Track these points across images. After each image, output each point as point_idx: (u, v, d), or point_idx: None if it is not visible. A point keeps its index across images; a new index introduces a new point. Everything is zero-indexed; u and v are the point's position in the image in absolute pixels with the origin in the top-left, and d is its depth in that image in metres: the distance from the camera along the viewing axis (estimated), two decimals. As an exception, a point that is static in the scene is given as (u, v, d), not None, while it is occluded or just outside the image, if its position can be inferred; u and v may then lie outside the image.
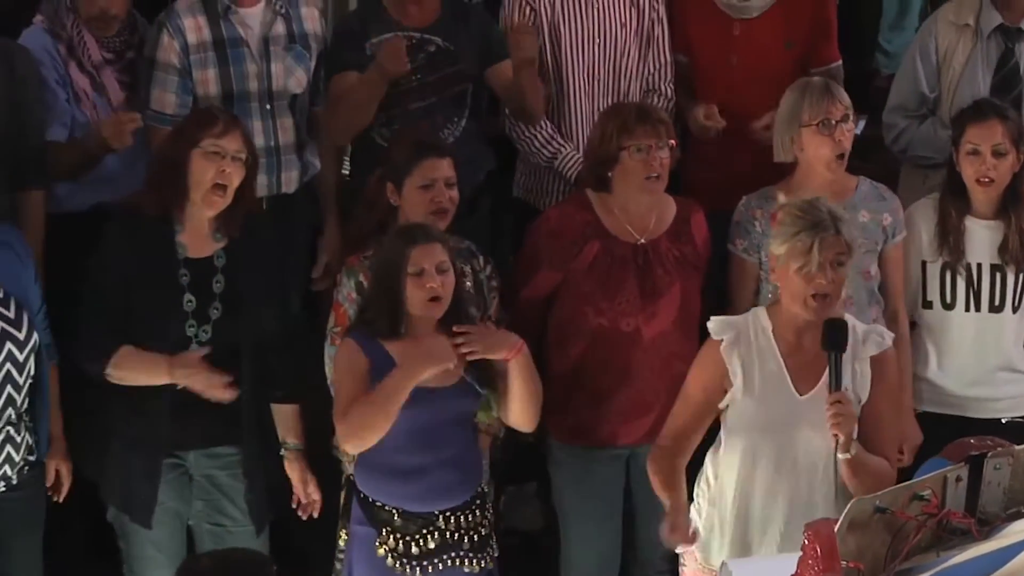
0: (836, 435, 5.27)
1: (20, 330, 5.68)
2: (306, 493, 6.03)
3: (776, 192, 5.97)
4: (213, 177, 5.72)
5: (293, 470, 6.04)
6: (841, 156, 6.12)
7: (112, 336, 5.73)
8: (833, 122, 6.08)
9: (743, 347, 5.40)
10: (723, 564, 5.05)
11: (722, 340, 5.39)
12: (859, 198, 6.21)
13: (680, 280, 6.08)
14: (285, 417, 6.03)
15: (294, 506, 6.07)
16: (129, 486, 5.86)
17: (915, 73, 6.77)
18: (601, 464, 6.19)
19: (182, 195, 5.76)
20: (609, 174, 6.03)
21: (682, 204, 6.17)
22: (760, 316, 5.45)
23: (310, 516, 6.03)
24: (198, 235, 5.82)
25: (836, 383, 5.30)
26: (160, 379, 5.69)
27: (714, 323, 5.45)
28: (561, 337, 6.14)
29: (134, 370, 5.73)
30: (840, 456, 5.27)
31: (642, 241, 6.09)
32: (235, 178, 5.77)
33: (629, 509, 6.26)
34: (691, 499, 5.69)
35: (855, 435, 5.29)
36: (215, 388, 5.69)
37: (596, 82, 6.83)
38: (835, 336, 5.35)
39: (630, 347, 6.06)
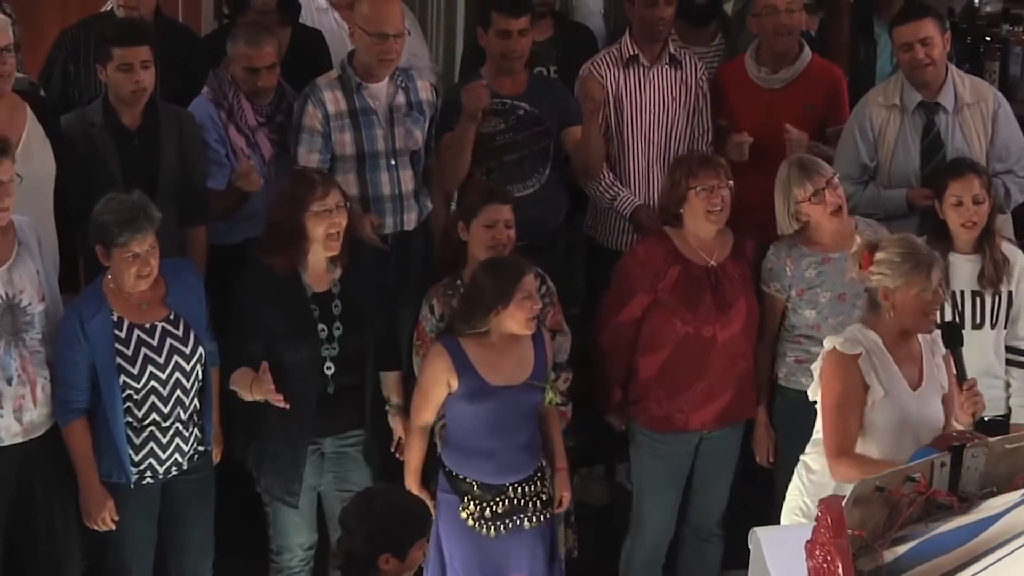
0: (974, 413, 5.33)
1: (186, 346, 5.71)
2: (397, 430, 6.04)
3: (797, 243, 6.01)
4: (326, 229, 5.76)
5: (396, 422, 6.05)
6: (838, 210, 6.03)
7: (241, 354, 5.77)
8: (822, 191, 5.99)
9: (871, 359, 5.28)
10: (751, 531, 4.88)
11: (860, 353, 5.25)
12: (861, 232, 6.01)
13: (744, 293, 6.07)
14: (391, 382, 6.05)
15: (392, 449, 6.06)
16: (279, 472, 5.89)
17: (856, 148, 6.61)
18: (675, 446, 6.18)
19: (303, 251, 5.80)
20: (680, 211, 6.04)
21: (738, 233, 6.15)
22: (868, 333, 5.32)
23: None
24: (318, 273, 5.86)
25: (963, 374, 5.36)
26: (247, 397, 5.73)
27: (842, 340, 5.31)
28: (652, 345, 6.10)
29: (238, 386, 5.76)
30: (963, 428, 5.25)
31: (713, 263, 6.08)
32: (343, 224, 5.81)
33: (689, 484, 6.26)
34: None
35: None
36: (273, 398, 5.63)
37: (650, 144, 6.82)
38: (955, 336, 5.43)
39: (708, 349, 6.05)
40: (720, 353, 6.06)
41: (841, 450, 5.22)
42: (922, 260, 5.24)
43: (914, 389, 5.30)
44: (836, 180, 6.07)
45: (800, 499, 5.48)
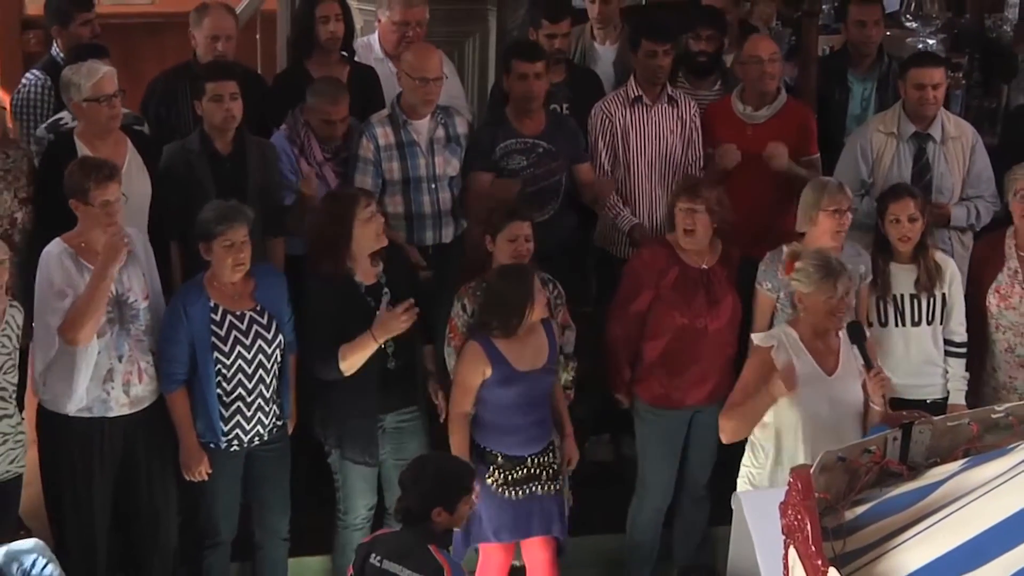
0: (883, 393, 5.42)
1: (269, 332, 5.75)
2: (439, 406, 5.99)
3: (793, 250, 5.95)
4: (375, 231, 5.80)
5: (433, 389, 6.02)
6: (839, 233, 6.02)
7: (330, 347, 5.74)
8: (843, 211, 6.00)
9: (786, 350, 5.44)
10: (734, 495, 5.09)
11: (772, 346, 5.42)
12: (845, 254, 6.03)
13: (730, 293, 6.08)
14: (429, 353, 6.07)
15: (441, 419, 5.98)
16: (358, 441, 5.89)
17: (856, 166, 6.61)
18: (673, 419, 6.19)
19: (352, 254, 5.79)
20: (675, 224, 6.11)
21: (726, 243, 6.15)
22: (788, 330, 5.51)
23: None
24: (365, 270, 5.86)
25: (868, 363, 5.47)
26: (373, 347, 5.69)
27: (758, 337, 5.51)
28: (655, 333, 6.11)
29: (356, 355, 5.71)
30: (878, 407, 5.41)
31: (705, 267, 6.10)
32: (383, 221, 5.86)
33: (684, 452, 6.27)
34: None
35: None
36: (401, 320, 5.68)
37: (652, 169, 6.80)
38: (858, 333, 5.51)
39: (701, 338, 6.06)
40: (711, 342, 6.06)
41: (724, 411, 5.55)
42: (830, 272, 5.39)
43: (829, 374, 5.44)
44: (850, 214, 6.05)
45: (749, 470, 5.60)
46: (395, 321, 5.70)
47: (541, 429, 5.83)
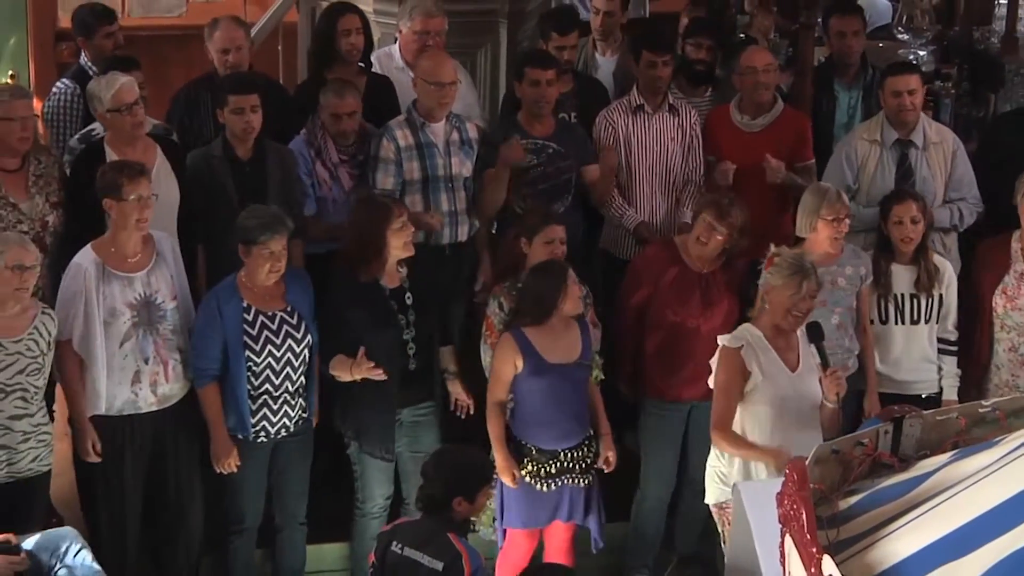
0: (837, 392, 5.42)
1: (298, 332, 5.77)
2: (464, 400, 6.05)
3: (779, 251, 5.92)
4: (404, 240, 5.82)
5: (455, 386, 6.07)
6: (837, 239, 6.05)
7: (332, 350, 5.78)
8: (842, 219, 6.02)
9: (752, 349, 5.45)
10: (734, 485, 5.09)
11: (741, 346, 5.43)
12: (845, 257, 6.15)
13: (727, 297, 6.05)
14: (448, 353, 6.09)
15: (452, 408, 6.07)
16: (377, 436, 5.92)
17: (842, 172, 6.60)
18: (672, 412, 6.21)
19: (383, 259, 5.83)
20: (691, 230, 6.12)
21: (732, 251, 6.09)
22: (752, 329, 5.50)
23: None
24: (390, 274, 5.90)
25: (826, 362, 5.48)
26: (347, 377, 5.73)
27: (730, 337, 5.49)
28: (651, 328, 6.14)
29: (338, 371, 5.77)
30: (831, 405, 5.43)
31: (705, 271, 6.10)
32: (411, 232, 5.87)
33: (684, 445, 6.26)
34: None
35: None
36: (373, 373, 5.69)
37: (653, 174, 6.80)
38: (817, 333, 5.53)
39: (693, 337, 6.05)
40: (704, 341, 5.97)
41: (719, 425, 5.45)
42: (800, 270, 5.41)
43: (792, 371, 5.46)
44: (848, 221, 6.06)
45: (717, 468, 5.59)
46: (359, 370, 5.71)
47: (576, 424, 5.80)
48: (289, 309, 5.78)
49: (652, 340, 6.16)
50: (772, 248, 5.58)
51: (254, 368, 5.71)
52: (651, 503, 6.35)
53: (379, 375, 5.70)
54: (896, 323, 6.25)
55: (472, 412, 6.06)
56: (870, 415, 5.99)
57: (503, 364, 5.73)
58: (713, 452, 5.64)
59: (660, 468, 6.30)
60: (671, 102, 6.87)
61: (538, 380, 5.71)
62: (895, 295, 6.21)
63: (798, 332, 5.54)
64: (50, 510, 5.80)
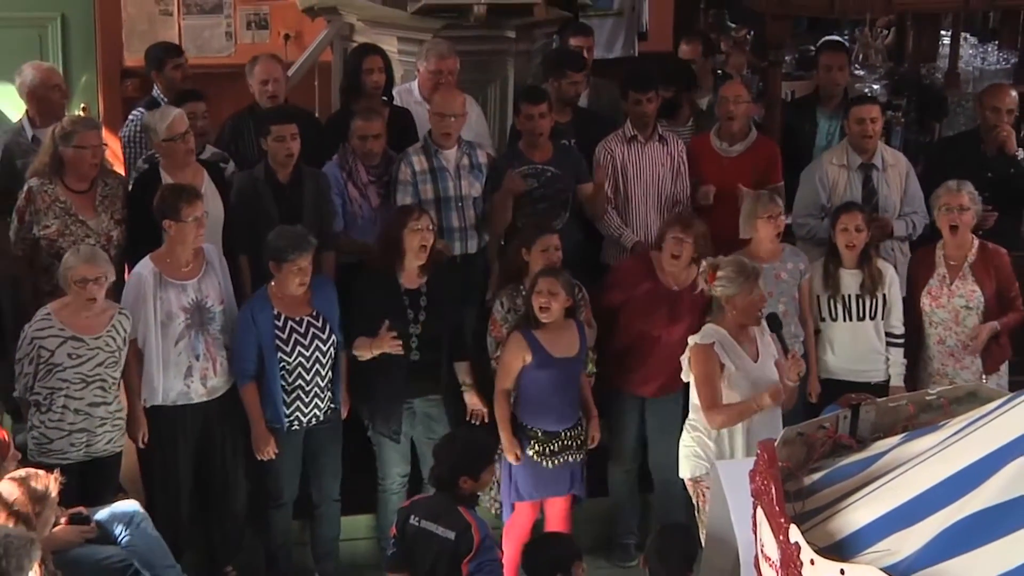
0: (799, 372, 5.54)
1: (324, 334, 5.77)
2: (479, 409, 6.01)
3: (741, 254, 5.91)
4: (418, 242, 5.82)
5: (470, 397, 6.03)
6: (777, 235, 6.17)
7: (354, 334, 5.81)
8: (776, 217, 6.13)
9: (722, 346, 5.48)
10: (712, 464, 5.12)
11: (713, 343, 5.46)
12: (786, 255, 6.26)
13: (692, 315, 5.97)
14: (463, 367, 6.06)
15: (468, 418, 6.03)
16: (385, 418, 5.95)
17: (816, 194, 6.65)
18: (631, 402, 6.24)
19: (401, 256, 5.85)
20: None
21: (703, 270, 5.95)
22: (718, 328, 5.53)
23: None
24: (411, 275, 5.90)
25: (786, 347, 5.61)
26: (367, 355, 5.77)
27: (700, 336, 5.51)
28: (619, 330, 6.17)
29: (360, 350, 5.80)
30: (792, 384, 5.52)
31: (675, 288, 6.10)
32: (430, 241, 5.87)
33: (646, 439, 6.30)
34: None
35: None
36: (393, 346, 5.73)
37: (647, 196, 6.76)
38: (776, 323, 5.62)
39: (654, 344, 6.07)
40: (664, 348, 6.03)
41: (711, 405, 5.48)
42: (749, 274, 5.46)
43: (755, 360, 5.53)
44: (783, 218, 6.19)
45: (694, 448, 5.59)
46: (378, 346, 5.75)
47: (572, 409, 5.88)
48: (315, 314, 5.78)
49: (618, 340, 6.18)
50: (704, 264, 5.58)
51: (287, 366, 5.71)
52: (619, 475, 6.40)
53: (397, 348, 5.73)
54: (844, 320, 6.29)
55: (487, 421, 6.01)
56: (811, 395, 6.16)
57: (512, 358, 5.76)
58: (685, 432, 5.67)
59: (621, 448, 6.34)
60: (660, 133, 6.87)
61: (544, 372, 5.75)
62: (843, 296, 6.27)
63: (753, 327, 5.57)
64: (117, 485, 5.82)
